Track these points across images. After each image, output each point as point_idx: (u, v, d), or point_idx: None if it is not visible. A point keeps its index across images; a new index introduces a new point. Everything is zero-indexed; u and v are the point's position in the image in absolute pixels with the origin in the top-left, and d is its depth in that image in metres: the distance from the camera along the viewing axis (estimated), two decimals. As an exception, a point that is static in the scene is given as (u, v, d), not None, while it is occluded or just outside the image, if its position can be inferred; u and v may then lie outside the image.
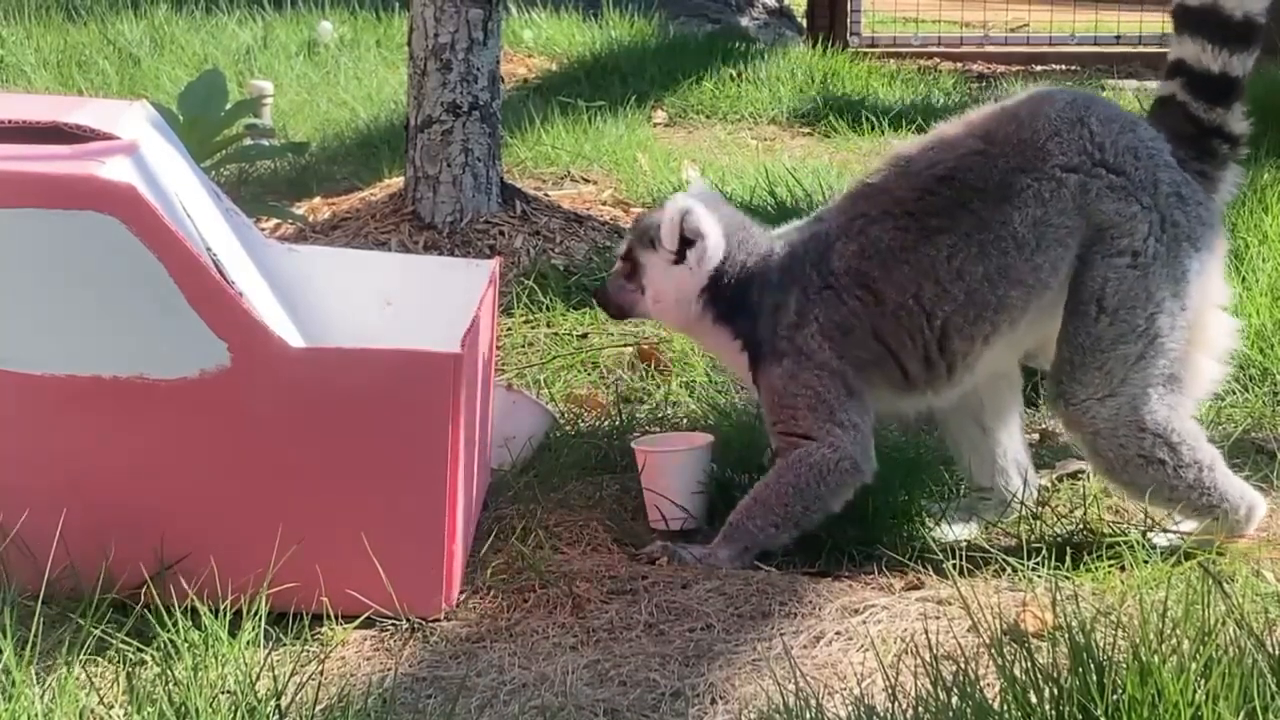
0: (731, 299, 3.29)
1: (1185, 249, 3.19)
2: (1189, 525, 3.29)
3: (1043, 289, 3.20)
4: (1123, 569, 3.11)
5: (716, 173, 6.08)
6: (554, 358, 4.31)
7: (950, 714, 2.42)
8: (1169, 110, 3.27)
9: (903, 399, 3.31)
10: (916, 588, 3.09)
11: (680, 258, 3.28)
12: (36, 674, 2.62)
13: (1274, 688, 2.34)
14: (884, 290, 3.20)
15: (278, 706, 2.52)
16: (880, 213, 3.22)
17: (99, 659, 2.71)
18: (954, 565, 3.07)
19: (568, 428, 3.83)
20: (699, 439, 3.45)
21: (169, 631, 2.70)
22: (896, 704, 2.54)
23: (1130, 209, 3.16)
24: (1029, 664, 2.43)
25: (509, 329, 4.54)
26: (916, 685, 2.59)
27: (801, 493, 3.19)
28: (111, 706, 2.58)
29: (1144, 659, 2.37)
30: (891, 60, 8.54)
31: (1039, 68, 8.83)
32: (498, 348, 3.99)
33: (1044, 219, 3.16)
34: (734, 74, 7.77)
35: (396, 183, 5.51)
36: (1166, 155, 3.21)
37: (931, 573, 3.13)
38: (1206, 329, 3.25)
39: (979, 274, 3.18)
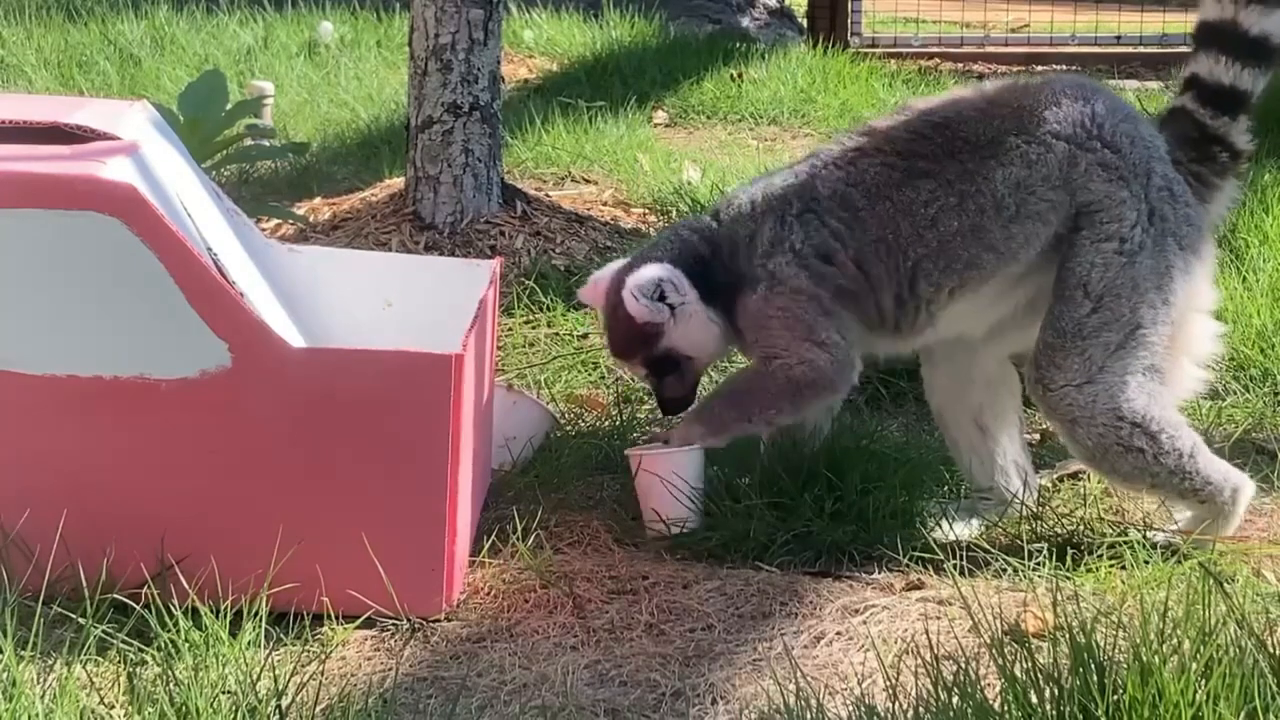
0: (719, 269, 3.33)
1: (1170, 245, 3.21)
2: (1182, 515, 3.30)
3: (1011, 259, 3.24)
4: (1123, 569, 3.11)
5: (717, 173, 6.07)
6: (554, 358, 4.31)
7: (951, 714, 2.42)
8: (1176, 118, 3.31)
9: (875, 338, 3.36)
10: (917, 588, 3.09)
11: (671, 310, 3.31)
12: (37, 674, 2.62)
13: (1275, 688, 2.34)
14: (867, 220, 3.25)
15: (278, 707, 2.52)
16: (873, 148, 3.29)
17: (100, 659, 2.71)
18: (954, 565, 3.07)
19: (568, 428, 3.83)
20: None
21: (170, 631, 2.70)
22: (897, 704, 2.54)
23: (1120, 193, 3.19)
24: (1029, 664, 2.44)
25: (509, 329, 4.54)
26: (917, 685, 2.60)
27: (774, 399, 3.29)
28: (112, 707, 2.58)
29: (1145, 659, 2.37)
30: (892, 61, 8.54)
31: (1039, 68, 8.82)
32: (498, 348, 3.99)
33: (1027, 183, 3.20)
34: (734, 74, 7.77)
35: (397, 183, 5.51)
36: (1163, 151, 3.25)
37: (932, 573, 3.13)
38: (1190, 332, 3.27)
39: (953, 228, 3.22)
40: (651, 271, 3.30)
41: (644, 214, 5.67)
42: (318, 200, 5.69)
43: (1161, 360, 3.22)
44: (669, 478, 3.30)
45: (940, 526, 3.33)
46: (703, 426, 3.34)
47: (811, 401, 3.30)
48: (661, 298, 3.29)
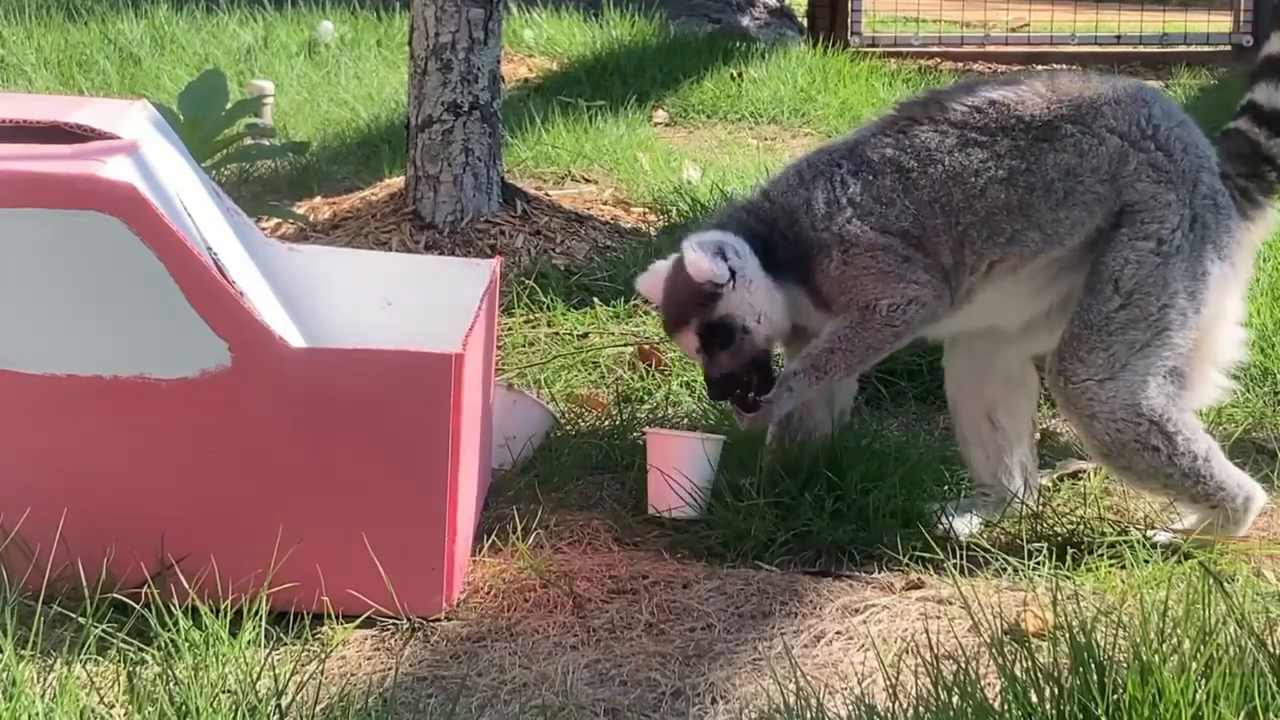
0: (782, 244, 3.31)
1: (1209, 252, 3.23)
2: (1190, 517, 3.30)
3: (1055, 243, 3.25)
4: (1123, 568, 3.12)
5: (717, 172, 6.07)
6: (554, 357, 4.31)
7: (951, 713, 2.42)
8: (1230, 138, 3.36)
9: None
10: (917, 587, 3.09)
11: (731, 274, 3.27)
12: (37, 673, 2.62)
13: (1275, 687, 2.34)
14: (920, 180, 3.26)
15: (278, 706, 2.52)
16: (927, 118, 3.30)
17: (100, 658, 2.71)
18: (954, 565, 3.07)
19: (568, 427, 3.83)
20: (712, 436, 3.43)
21: (170, 631, 2.70)
22: (897, 703, 2.54)
23: (1166, 196, 3.21)
24: (1029, 663, 2.44)
25: (509, 329, 4.54)
26: (917, 685, 2.60)
27: (886, 338, 3.28)
28: (112, 706, 2.58)
29: (1144, 658, 2.37)
30: (892, 60, 8.54)
31: (1040, 67, 8.82)
32: (498, 347, 3.99)
33: (1076, 171, 3.22)
34: (734, 74, 7.77)
35: (397, 182, 5.51)
36: (1213, 163, 3.29)
37: (932, 572, 3.13)
38: (1218, 340, 3.29)
39: (1000, 200, 3.23)
40: (714, 234, 3.32)
41: (644, 213, 5.67)
42: (318, 199, 5.69)
43: (1184, 364, 3.23)
44: (684, 462, 3.29)
45: (940, 524, 3.33)
46: (813, 368, 3.29)
47: (917, 331, 3.31)
48: (724, 259, 3.27)
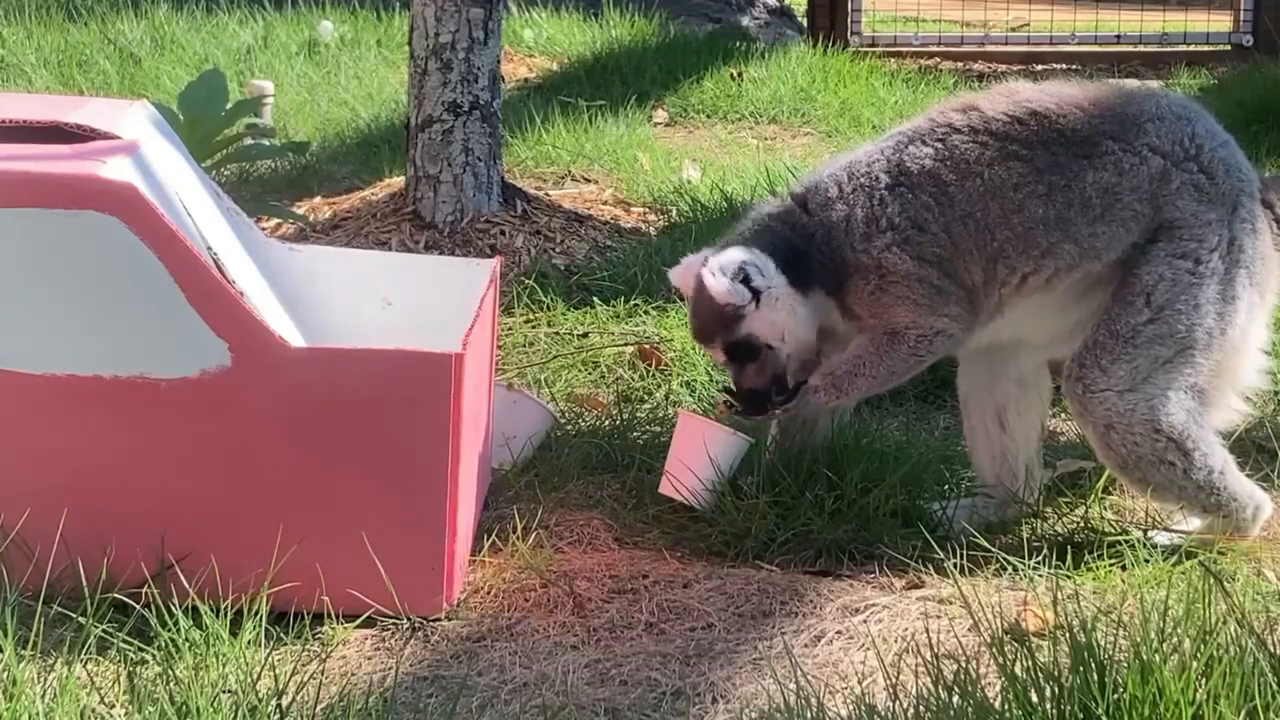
0: (819, 257, 3.28)
1: (1241, 276, 3.22)
2: (1194, 522, 3.30)
3: (1093, 258, 3.22)
4: (1124, 568, 3.12)
5: (717, 172, 6.07)
6: (554, 357, 4.31)
7: (951, 713, 2.42)
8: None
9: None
10: (917, 587, 3.09)
11: (756, 296, 3.24)
12: (37, 673, 2.62)
13: (1275, 686, 2.34)
14: (956, 195, 3.22)
15: (279, 706, 2.52)
16: (967, 127, 3.26)
17: (100, 658, 2.71)
18: (955, 564, 3.07)
19: (568, 427, 3.83)
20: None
21: (170, 631, 2.70)
22: (897, 703, 2.54)
23: (1207, 215, 3.20)
24: (1030, 663, 2.44)
25: (509, 328, 4.54)
26: (917, 684, 2.60)
27: (910, 364, 3.29)
28: (112, 706, 2.58)
29: (1145, 658, 2.37)
30: (892, 60, 8.54)
31: (1039, 67, 8.84)
32: (498, 347, 3.99)
33: (1115, 189, 3.19)
34: (734, 73, 7.77)
35: (397, 182, 5.52)
36: (1255, 187, 3.27)
37: (932, 572, 3.13)
38: (1240, 364, 3.28)
39: (1038, 214, 3.20)
40: (735, 254, 3.25)
41: (644, 213, 5.67)
42: (317, 199, 5.70)
43: (1206, 382, 3.22)
44: (709, 449, 3.28)
45: (941, 524, 3.33)
46: (834, 387, 3.28)
47: (938, 355, 3.32)
48: (745, 281, 3.23)
